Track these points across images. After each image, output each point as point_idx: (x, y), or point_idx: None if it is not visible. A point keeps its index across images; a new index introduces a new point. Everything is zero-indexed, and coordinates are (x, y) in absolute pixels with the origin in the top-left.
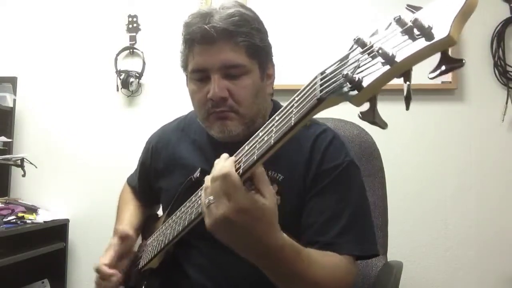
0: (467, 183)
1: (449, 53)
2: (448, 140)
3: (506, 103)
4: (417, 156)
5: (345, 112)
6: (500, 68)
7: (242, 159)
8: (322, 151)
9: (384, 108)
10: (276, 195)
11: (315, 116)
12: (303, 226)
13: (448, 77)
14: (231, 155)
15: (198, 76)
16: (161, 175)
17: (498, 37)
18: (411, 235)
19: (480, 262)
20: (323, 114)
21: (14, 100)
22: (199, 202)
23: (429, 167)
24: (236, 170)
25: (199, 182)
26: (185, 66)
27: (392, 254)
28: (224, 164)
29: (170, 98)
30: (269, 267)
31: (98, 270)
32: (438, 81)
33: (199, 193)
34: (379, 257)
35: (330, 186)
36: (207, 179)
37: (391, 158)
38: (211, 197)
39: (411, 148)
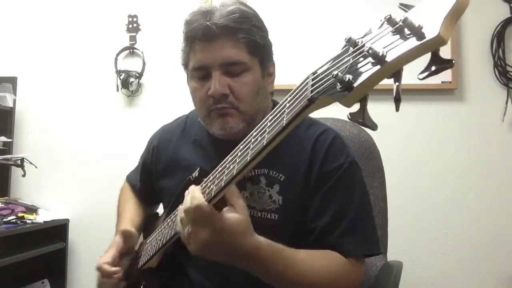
0: (467, 183)
1: (440, 53)
2: (448, 140)
3: (506, 103)
4: (417, 156)
5: (345, 112)
6: (500, 68)
7: (236, 159)
8: (324, 151)
9: (385, 108)
10: (278, 195)
11: (316, 116)
12: (308, 228)
13: (448, 77)
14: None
15: (199, 74)
16: (162, 175)
17: (498, 37)
18: (411, 235)
19: (480, 262)
20: (323, 114)
21: (14, 100)
22: None
23: (429, 167)
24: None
25: (198, 181)
26: (186, 64)
27: (392, 254)
28: (193, 195)
29: (170, 98)
30: (251, 268)
31: (99, 268)
32: (438, 81)
33: None
34: (379, 257)
35: (333, 187)
36: (180, 210)
37: (391, 158)
38: (189, 228)
39: (411, 148)
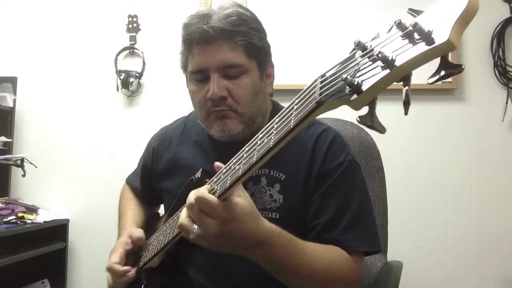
0: (467, 183)
1: (449, 58)
2: (448, 140)
3: (506, 103)
4: (417, 156)
5: (345, 112)
6: (500, 68)
7: (242, 161)
8: (324, 150)
9: (385, 108)
10: (279, 194)
11: (317, 116)
12: (309, 226)
13: None
14: (232, 154)
15: (198, 77)
16: (162, 177)
17: (498, 37)
18: (411, 235)
19: (480, 262)
20: (323, 114)
21: (14, 100)
22: None
23: (429, 167)
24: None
25: (201, 182)
26: (184, 67)
27: (392, 254)
28: (197, 191)
29: (170, 98)
30: (264, 258)
31: (110, 269)
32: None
33: None
34: (379, 257)
35: (334, 185)
36: (183, 212)
37: (391, 158)
38: (195, 226)
39: (411, 148)
